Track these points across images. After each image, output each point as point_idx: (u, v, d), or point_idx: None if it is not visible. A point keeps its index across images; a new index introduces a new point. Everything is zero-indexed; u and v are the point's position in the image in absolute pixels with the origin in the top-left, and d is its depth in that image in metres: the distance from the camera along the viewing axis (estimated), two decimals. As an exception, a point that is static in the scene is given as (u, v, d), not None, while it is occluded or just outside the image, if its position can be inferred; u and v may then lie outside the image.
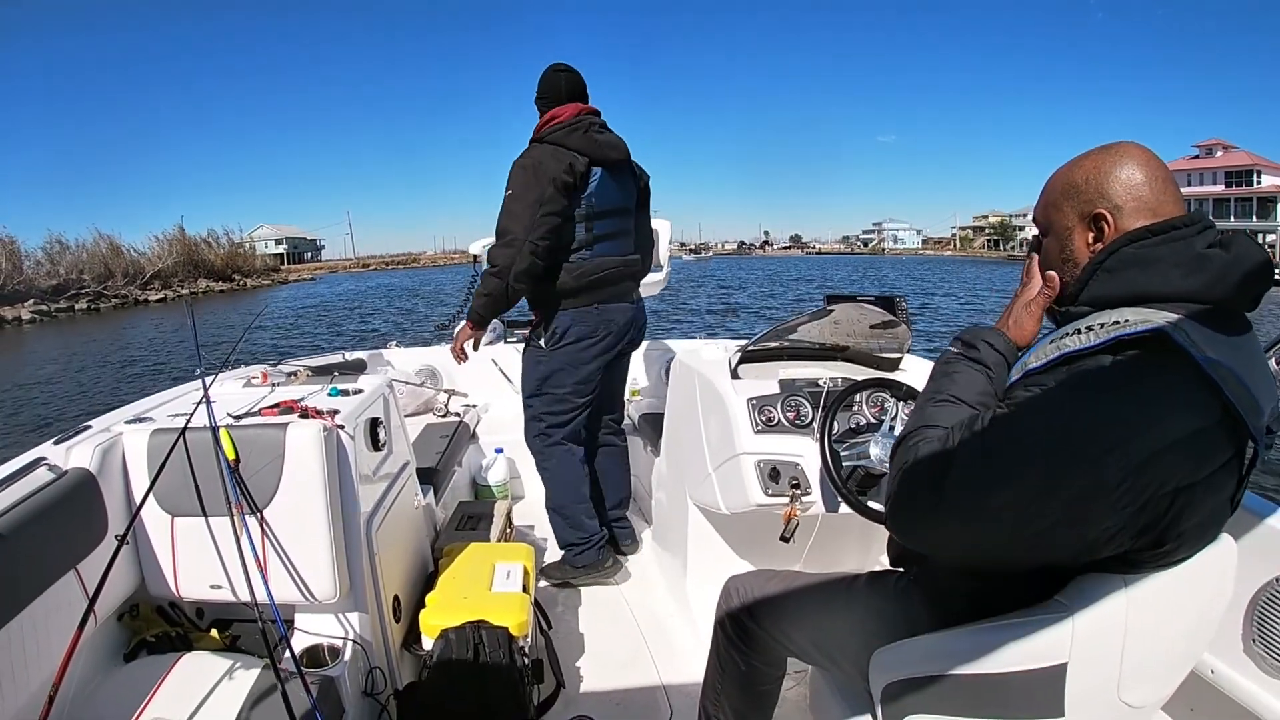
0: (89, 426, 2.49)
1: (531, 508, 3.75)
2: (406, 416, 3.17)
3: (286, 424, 2.24)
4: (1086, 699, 1.28)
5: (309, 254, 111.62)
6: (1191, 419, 1.15)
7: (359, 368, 4.28)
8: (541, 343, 3.48)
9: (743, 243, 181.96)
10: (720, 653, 2.01)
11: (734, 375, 2.86)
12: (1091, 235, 1.34)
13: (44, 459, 2.23)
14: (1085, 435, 1.14)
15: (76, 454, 2.23)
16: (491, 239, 3.41)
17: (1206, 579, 1.33)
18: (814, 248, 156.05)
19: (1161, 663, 1.38)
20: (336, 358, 4.57)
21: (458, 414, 4.78)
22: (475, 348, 3.70)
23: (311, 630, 2.39)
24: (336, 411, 2.39)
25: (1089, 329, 1.23)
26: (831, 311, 2.85)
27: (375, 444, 2.61)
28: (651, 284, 4.98)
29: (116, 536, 2.13)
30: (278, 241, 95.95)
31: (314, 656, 2.29)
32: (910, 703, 1.46)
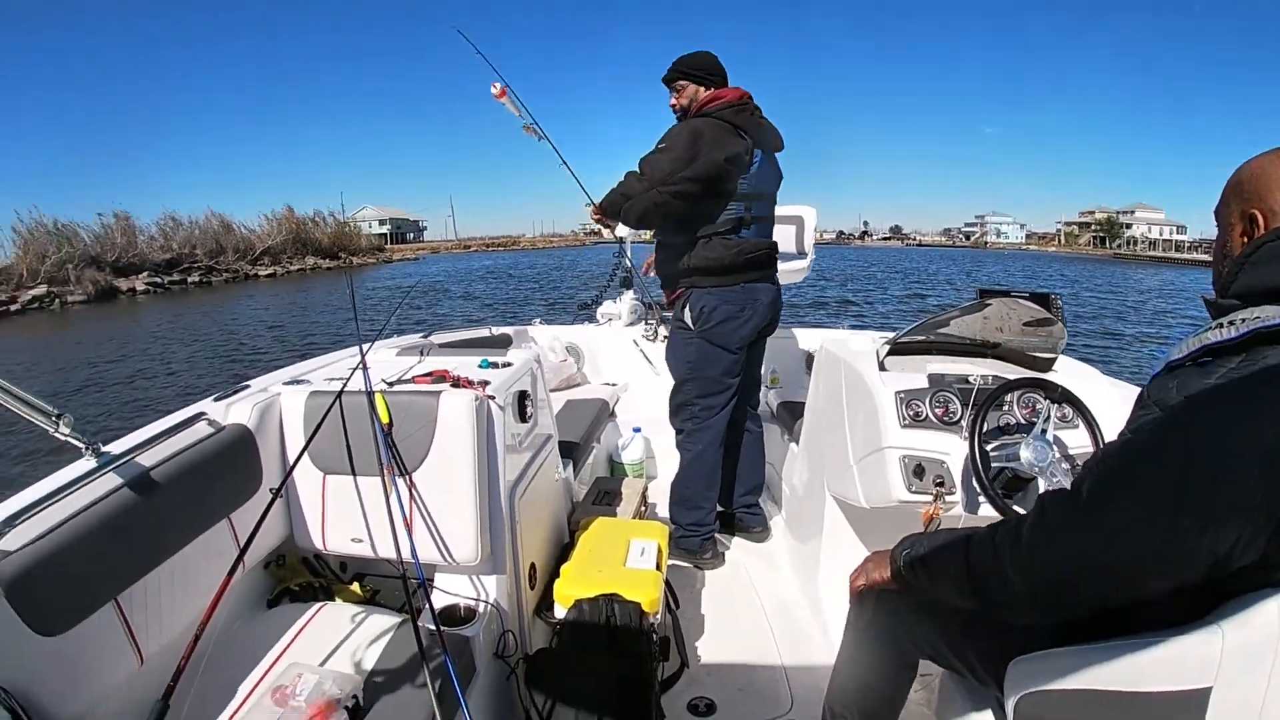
0: (247, 386, 2.64)
1: (664, 488, 3.78)
2: (549, 392, 3.23)
3: (440, 392, 2.33)
4: None
5: (411, 235, 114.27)
6: None
7: (505, 342, 4.37)
8: (689, 322, 3.47)
9: (841, 232, 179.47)
10: (852, 649, 1.99)
11: (881, 367, 2.82)
12: (1245, 232, 1.35)
13: (204, 414, 2.38)
14: (1211, 436, 1.12)
15: (235, 411, 2.40)
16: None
17: None
18: (914, 239, 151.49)
19: None
20: (484, 332, 4.65)
21: (599, 393, 4.86)
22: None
23: (449, 590, 2.47)
24: (487, 383, 2.47)
25: (1230, 323, 1.24)
26: (985, 306, 2.78)
27: (522, 416, 2.68)
28: (794, 270, 4.98)
29: (271, 490, 2.27)
30: (381, 222, 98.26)
31: (450, 615, 2.37)
32: (1046, 716, 1.43)
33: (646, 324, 5.62)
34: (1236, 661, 1.18)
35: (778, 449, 4.20)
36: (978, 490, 2.32)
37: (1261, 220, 1.31)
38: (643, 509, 3.63)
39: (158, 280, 41.61)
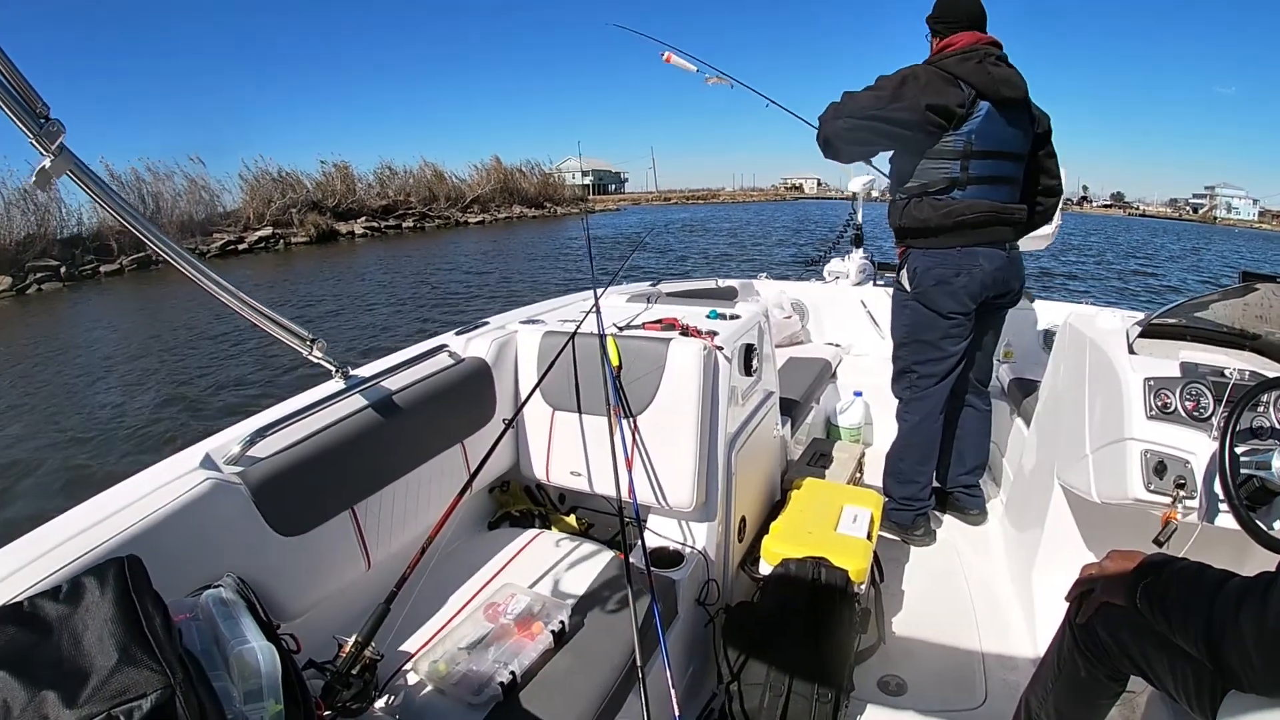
0: (486, 323, 2.83)
1: (880, 456, 3.72)
2: (774, 347, 3.23)
3: (669, 339, 2.40)
4: None
5: (613, 186, 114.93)
6: None
7: (730, 295, 4.40)
8: (905, 284, 3.38)
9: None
10: (1062, 651, 1.91)
11: (1130, 350, 2.63)
12: None
13: (445, 346, 2.58)
14: None
15: (474, 345, 2.58)
16: (868, 177, 3.40)
17: None
18: (1137, 208, 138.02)
19: None
20: (710, 283, 4.70)
21: (822, 352, 4.82)
22: None
23: (661, 533, 2.56)
24: (715, 333, 2.52)
25: None
26: (1250, 291, 2.57)
27: (747, 369, 2.72)
28: (1038, 238, 4.75)
29: (504, 420, 2.42)
30: (585, 173, 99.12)
31: (659, 557, 2.44)
32: None
33: (875, 283, 5.53)
34: None
35: (1004, 427, 4.06)
36: (1220, 498, 2.17)
37: None
38: (858, 475, 3.62)
39: (375, 225, 43.66)
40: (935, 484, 3.76)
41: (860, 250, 6.01)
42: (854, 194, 5.75)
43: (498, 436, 2.14)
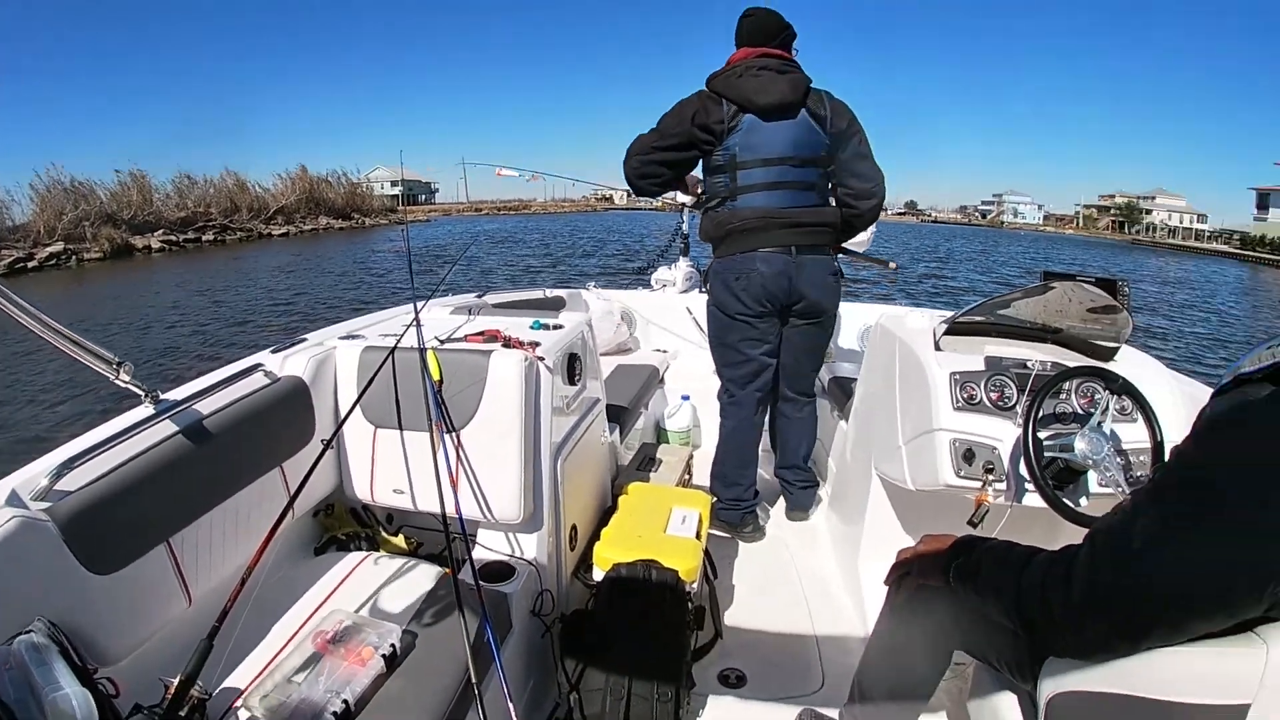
0: (304, 339, 2.75)
1: (710, 456, 3.82)
2: (600, 356, 3.26)
3: (490, 351, 2.39)
4: None
5: (423, 196, 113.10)
6: None
7: (558, 305, 4.44)
8: (706, 290, 3.59)
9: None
10: (887, 630, 2.00)
11: (937, 347, 2.80)
12: None
13: (261, 365, 2.50)
14: (1267, 489, 1.09)
15: (291, 363, 2.50)
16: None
17: None
18: (930, 215, 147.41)
19: None
20: (537, 293, 4.75)
21: (650, 359, 4.91)
22: None
23: (491, 547, 2.56)
24: (537, 344, 2.53)
25: None
26: (1048, 290, 2.75)
27: (571, 378, 2.75)
28: (854, 243, 4.93)
29: (322, 441, 2.36)
30: (394, 183, 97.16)
31: (490, 572, 2.43)
32: (1078, 718, 1.44)
33: (700, 290, 5.65)
34: (1278, 681, 1.17)
35: (828, 426, 4.21)
36: (1027, 479, 2.32)
37: None
38: (686, 477, 3.69)
39: (173, 238, 41.98)
40: (768, 477, 3.92)
41: (686, 259, 6.16)
42: (683, 204, 5.85)
43: (317, 457, 2.05)
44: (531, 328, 2.77)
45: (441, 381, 2.37)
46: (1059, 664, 1.48)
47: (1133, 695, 1.32)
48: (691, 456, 3.85)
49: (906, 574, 1.88)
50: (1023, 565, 1.43)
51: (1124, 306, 2.73)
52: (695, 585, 2.57)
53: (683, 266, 6.04)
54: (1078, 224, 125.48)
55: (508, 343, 2.49)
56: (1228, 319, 26.05)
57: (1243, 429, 1.18)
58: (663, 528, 2.71)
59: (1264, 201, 78.15)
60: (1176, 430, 2.39)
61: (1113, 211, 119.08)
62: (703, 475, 3.93)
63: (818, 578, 3.40)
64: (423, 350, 2.38)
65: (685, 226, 6.29)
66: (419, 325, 2.45)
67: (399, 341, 2.41)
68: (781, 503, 4.01)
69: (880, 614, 2.05)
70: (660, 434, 4.64)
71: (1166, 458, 2.22)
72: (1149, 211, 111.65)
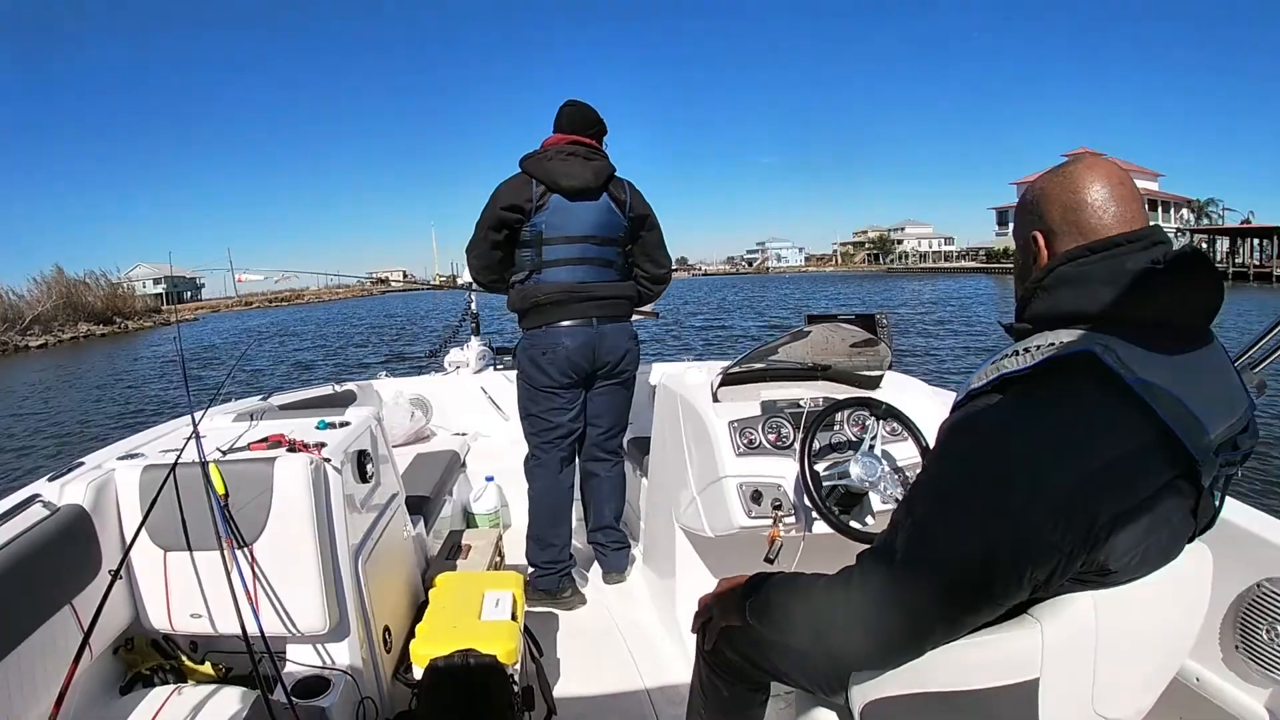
0: (82, 463, 2.61)
1: (522, 535, 3.84)
2: (397, 446, 3.25)
3: (274, 458, 2.35)
4: (1062, 713, 1.33)
5: (189, 293, 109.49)
6: (1118, 442, 1.19)
7: (349, 399, 4.39)
8: (515, 364, 3.74)
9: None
10: (702, 679, 2.06)
11: (715, 398, 2.97)
12: (1035, 253, 1.41)
13: (39, 495, 2.34)
14: (1003, 483, 1.21)
15: (70, 490, 2.34)
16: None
17: (1182, 589, 1.37)
18: (700, 269, 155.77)
19: (1139, 674, 1.42)
20: (327, 389, 4.70)
21: (449, 444, 4.89)
22: None
23: (303, 662, 2.50)
24: (324, 444, 2.51)
25: (1026, 350, 1.29)
26: (810, 332, 2.96)
27: (363, 476, 2.73)
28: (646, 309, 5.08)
29: (110, 571, 2.23)
30: (156, 281, 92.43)
31: (305, 687, 2.38)
32: None
33: (495, 368, 5.69)
34: (1058, 653, 1.29)
35: (632, 485, 4.30)
36: (813, 510, 2.45)
37: (1044, 240, 1.39)
38: (498, 559, 3.71)
39: None
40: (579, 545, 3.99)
41: (479, 338, 6.21)
42: (467, 283, 5.88)
43: (106, 589, 1.99)
44: (317, 428, 2.75)
45: (227, 495, 2.30)
46: (862, 675, 1.57)
47: (933, 691, 1.42)
48: (500, 537, 3.87)
49: (710, 619, 1.93)
50: (810, 589, 1.51)
51: (883, 339, 2.95)
52: (518, 666, 2.58)
53: (475, 346, 6.08)
54: (836, 261, 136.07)
55: (292, 446, 2.45)
56: (984, 329, 28.02)
57: (974, 433, 1.31)
58: (477, 614, 2.69)
59: (1003, 218, 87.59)
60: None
61: (867, 246, 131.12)
62: (515, 554, 3.96)
63: (641, 634, 3.45)
64: (205, 464, 2.31)
65: (474, 305, 6.35)
66: (199, 438, 2.39)
67: (179, 457, 2.34)
68: (598, 568, 4.05)
69: (694, 662, 2.10)
70: (469, 518, 4.61)
71: None
72: (900, 241, 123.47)
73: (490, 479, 4.66)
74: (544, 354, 3.56)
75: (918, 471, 2.58)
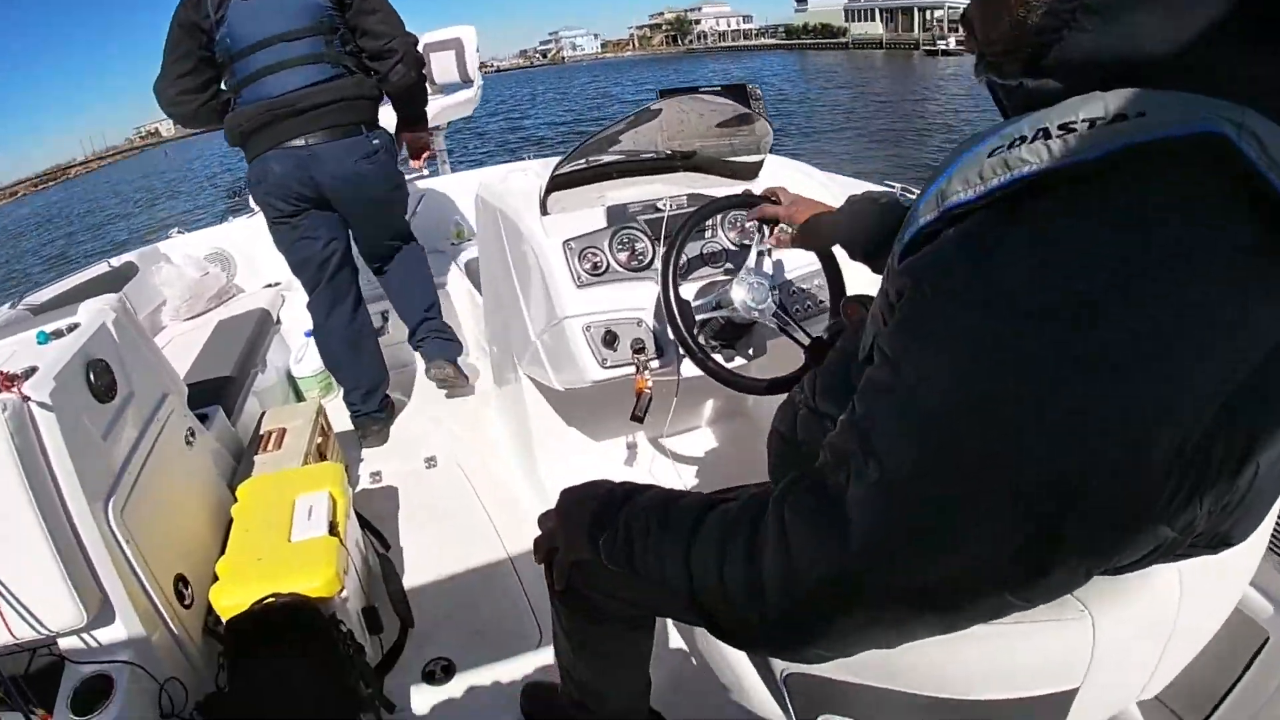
0: None
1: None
2: (193, 318, 2.65)
3: None
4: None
5: None
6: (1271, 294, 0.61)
7: (128, 274, 3.79)
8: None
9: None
10: (562, 622, 1.56)
11: (544, 210, 2.32)
12: None
13: None
14: (1094, 420, 0.62)
15: None
16: None
17: None
18: (493, 66, 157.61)
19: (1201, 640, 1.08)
20: (100, 268, 4.05)
21: (259, 300, 4.16)
22: None
23: (84, 660, 1.88)
24: (33, 370, 1.81)
25: (1066, 128, 0.65)
26: (660, 112, 2.34)
27: (102, 394, 2.03)
28: (458, 104, 4.71)
29: None
30: None
31: (88, 695, 1.82)
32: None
33: None
34: (1113, 650, 0.88)
35: (473, 312, 3.83)
36: (683, 351, 1.94)
37: None
38: (322, 436, 3.03)
39: None
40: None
41: None
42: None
43: None
44: (38, 342, 2.01)
45: None
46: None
47: (901, 691, 1.03)
48: (322, 408, 3.15)
49: (555, 549, 1.36)
50: (692, 534, 0.94)
51: (760, 113, 2.36)
52: (345, 594, 2.06)
53: None
54: (634, 45, 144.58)
55: (-11, 383, 1.74)
56: (800, 101, 28.11)
57: (988, 284, 0.68)
58: (286, 534, 2.15)
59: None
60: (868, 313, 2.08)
61: (664, 28, 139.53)
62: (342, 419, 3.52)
63: (504, 500, 2.95)
64: None
65: None
66: None
67: None
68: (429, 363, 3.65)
69: (551, 610, 1.58)
70: (293, 384, 3.92)
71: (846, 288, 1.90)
72: (698, 22, 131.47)
73: (310, 333, 3.79)
74: (258, 184, 3.13)
75: (818, 281, 2.11)
